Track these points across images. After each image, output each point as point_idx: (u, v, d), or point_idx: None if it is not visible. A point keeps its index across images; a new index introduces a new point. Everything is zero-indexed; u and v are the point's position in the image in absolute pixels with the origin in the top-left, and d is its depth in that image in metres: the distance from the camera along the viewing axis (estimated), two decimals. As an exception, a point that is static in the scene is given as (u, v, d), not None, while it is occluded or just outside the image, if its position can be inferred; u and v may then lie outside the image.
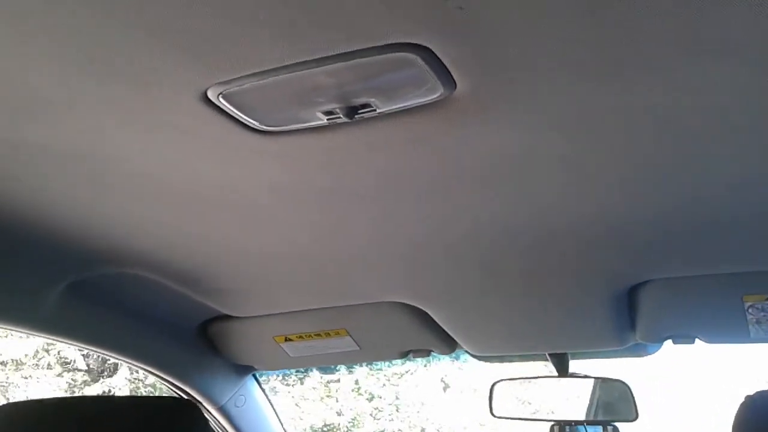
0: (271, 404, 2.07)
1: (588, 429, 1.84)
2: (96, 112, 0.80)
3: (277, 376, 10.39)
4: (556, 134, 0.84)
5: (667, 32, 0.64)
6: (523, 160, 0.90)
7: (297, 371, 10.50)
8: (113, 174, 0.96)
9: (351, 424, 10.81)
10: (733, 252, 1.18)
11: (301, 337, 1.70)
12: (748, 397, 1.08)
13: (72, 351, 9.29)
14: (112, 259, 1.28)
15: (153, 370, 1.69)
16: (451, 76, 0.71)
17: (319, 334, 1.67)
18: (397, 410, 11.16)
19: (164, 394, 1.78)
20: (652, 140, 0.85)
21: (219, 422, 1.90)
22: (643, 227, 1.10)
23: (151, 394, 6.84)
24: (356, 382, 10.96)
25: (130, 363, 1.65)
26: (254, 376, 2.01)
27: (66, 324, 1.40)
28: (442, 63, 0.69)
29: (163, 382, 1.77)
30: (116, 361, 1.84)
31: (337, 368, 10.61)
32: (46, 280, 1.29)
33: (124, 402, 1.12)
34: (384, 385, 11.21)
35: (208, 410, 1.87)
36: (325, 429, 10.68)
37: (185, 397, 1.81)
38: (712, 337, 1.55)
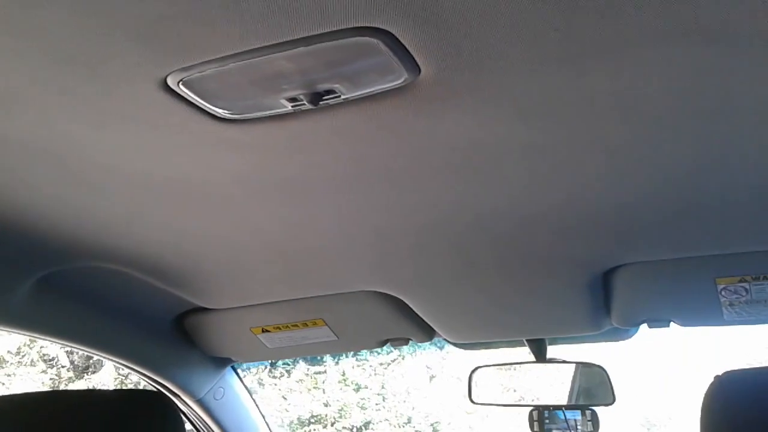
0: (251, 396, 2.06)
1: (567, 413, 1.85)
2: (57, 104, 0.78)
3: (264, 367, 10.39)
4: (523, 121, 0.83)
5: (633, 16, 0.63)
6: (490, 147, 0.90)
7: (283, 364, 10.51)
8: (78, 167, 0.95)
9: (338, 414, 10.84)
10: (705, 235, 1.19)
11: (278, 328, 1.69)
12: (716, 378, 1.09)
13: (55, 347, 9.22)
14: (82, 253, 1.26)
15: (129, 364, 1.68)
16: (415, 61, 0.70)
17: (296, 325, 1.67)
18: (383, 400, 11.21)
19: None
20: (620, 126, 0.84)
21: (198, 415, 1.90)
22: (615, 213, 1.10)
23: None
24: (343, 374, 10.99)
25: (105, 357, 1.64)
26: (233, 368, 2.01)
27: (38, 318, 1.39)
28: (405, 48, 0.68)
29: (140, 375, 1.76)
30: (92, 355, 1.82)
31: (323, 360, 10.64)
32: (16, 275, 1.27)
33: (89, 396, 1.11)
34: (370, 375, 11.25)
35: (186, 403, 1.86)
36: (312, 420, 10.70)
37: (163, 390, 1.80)
38: (687, 320, 1.56)
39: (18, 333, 1.42)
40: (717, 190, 1.02)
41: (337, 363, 10.82)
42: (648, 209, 1.08)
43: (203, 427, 1.93)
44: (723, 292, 1.38)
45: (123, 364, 1.69)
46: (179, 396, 1.83)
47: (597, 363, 1.81)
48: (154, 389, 1.82)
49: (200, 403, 1.87)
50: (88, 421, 0.99)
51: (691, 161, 0.94)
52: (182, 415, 1.89)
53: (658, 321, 1.55)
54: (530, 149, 0.90)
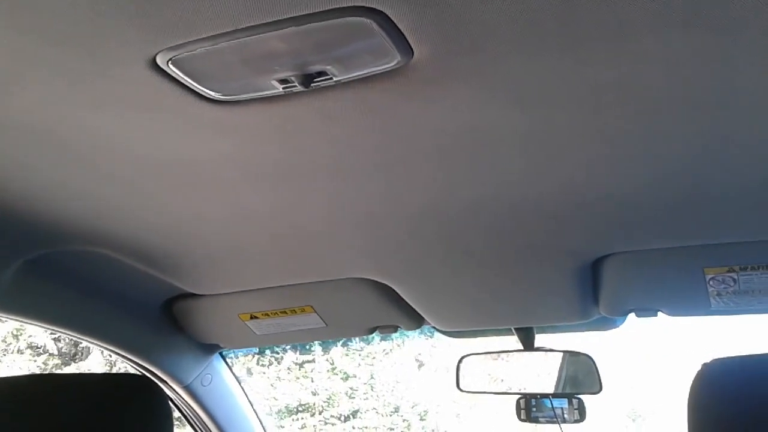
0: (239, 383, 2.06)
1: (554, 402, 1.86)
2: (50, 85, 0.77)
3: (252, 356, 10.40)
4: (518, 108, 0.83)
5: (633, 2, 0.63)
6: (483, 133, 0.89)
7: (272, 352, 10.52)
8: (69, 149, 0.93)
9: (326, 403, 10.88)
10: (695, 225, 1.19)
11: (266, 314, 1.68)
12: (704, 365, 1.09)
13: (42, 335, 9.19)
14: (69, 236, 1.25)
15: (116, 350, 1.67)
16: (408, 43, 0.70)
17: (284, 312, 1.66)
18: (372, 389, 11.25)
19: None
20: (617, 115, 0.84)
21: (186, 402, 1.89)
22: (607, 202, 1.10)
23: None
24: (332, 363, 11.02)
25: (92, 342, 1.63)
26: (221, 355, 2.00)
27: (23, 302, 1.37)
28: (398, 29, 0.67)
29: (126, 361, 1.75)
30: (78, 340, 1.80)
31: (312, 349, 10.66)
32: (1, 257, 1.25)
33: (75, 379, 1.10)
34: (359, 364, 11.29)
35: (174, 390, 1.85)
36: (300, 409, 10.73)
37: (150, 376, 1.79)
38: (674, 309, 1.56)
39: (2, 317, 1.41)
40: (709, 180, 1.02)
41: (325, 352, 10.84)
42: (641, 198, 1.08)
43: (190, 414, 1.93)
44: (711, 282, 1.39)
45: (110, 350, 1.67)
46: (166, 382, 1.83)
47: (584, 352, 1.82)
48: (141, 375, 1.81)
49: (188, 389, 1.86)
50: (74, 403, 0.98)
51: (686, 151, 0.94)
52: (169, 401, 1.89)
53: (645, 310, 1.56)
54: (524, 136, 0.89)
